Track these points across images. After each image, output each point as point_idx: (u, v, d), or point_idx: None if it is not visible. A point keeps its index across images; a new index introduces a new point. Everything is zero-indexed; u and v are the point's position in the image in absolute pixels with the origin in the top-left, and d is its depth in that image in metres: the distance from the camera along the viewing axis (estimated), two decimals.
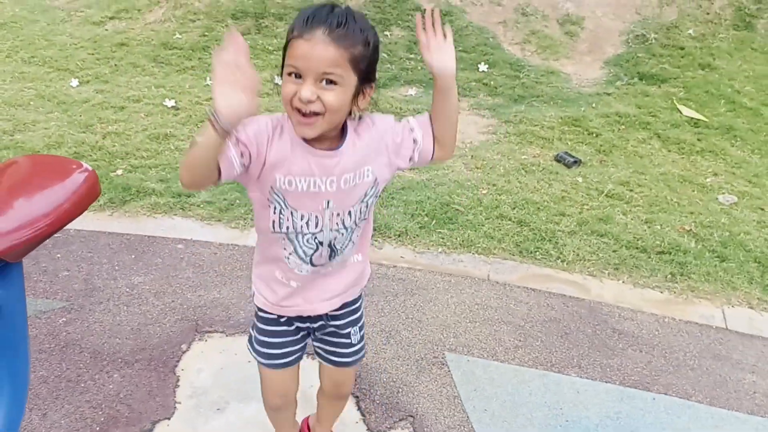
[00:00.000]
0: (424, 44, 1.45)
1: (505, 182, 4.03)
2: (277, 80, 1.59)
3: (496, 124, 4.84)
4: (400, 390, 2.51)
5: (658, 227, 3.67)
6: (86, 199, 1.63)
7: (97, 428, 2.26)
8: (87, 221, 3.40)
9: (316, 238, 1.55)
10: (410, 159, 1.59)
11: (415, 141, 1.56)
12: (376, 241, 3.39)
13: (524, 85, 5.45)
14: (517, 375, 2.63)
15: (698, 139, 4.74)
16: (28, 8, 6.43)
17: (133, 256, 3.17)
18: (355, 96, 1.40)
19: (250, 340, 1.80)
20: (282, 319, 1.71)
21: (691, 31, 6.17)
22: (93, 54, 5.48)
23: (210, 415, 2.36)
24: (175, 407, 2.36)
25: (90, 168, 1.69)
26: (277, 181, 1.45)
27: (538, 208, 3.77)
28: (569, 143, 4.58)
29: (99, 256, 3.16)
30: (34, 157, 1.78)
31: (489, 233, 3.51)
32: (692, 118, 5.00)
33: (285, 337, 1.74)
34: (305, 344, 1.82)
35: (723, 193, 4.06)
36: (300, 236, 1.54)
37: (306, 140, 1.43)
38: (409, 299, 3.02)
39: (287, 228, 1.53)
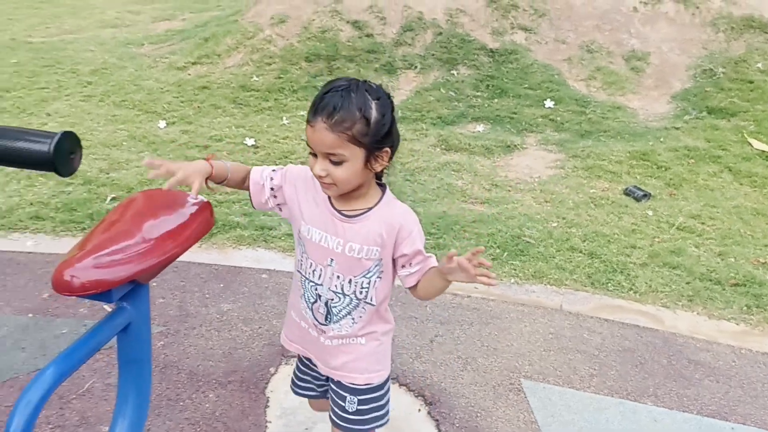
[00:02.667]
0: (460, 264, 1.46)
1: (575, 215, 4.11)
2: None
3: (563, 158, 4.93)
4: (479, 414, 2.60)
5: (732, 260, 3.68)
6: (205, 226, 1.81)
7: None
8: None
9: (316, 289, 1.69)
10: (399, 266, 1.67)
11: (403, 266, 1.65)
12: None
13: (590, 120, 5.53)
14: (594, 402, 2.69)
15: None
16: (117, 56, 6.90)
17: (221, 285, 3.38)
18: (367, 162, 1.52)
19: None
20: (304, 357, 1.86)
21: (759, 65, 6.14)
22: (178, 97, 5.83)
23: None
24: (266, 426, 2.51)
25: (205, 199, 1.89)
26: (302, 228, 1.67)
27: (609, 240, 3.82)
28: (638, 177, 4.62)
29: (191, 285, 3.37)
30: (152, 191, 1.98)
31: (560, 265, 3.59)
32: (763, 151, 4.98)
33: (308, 375, 1.90)
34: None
35: None
36: (307, 282, 1.71)
37: (330, 199, 1.63)
38: (483, 328, 3.12)
39: (304, 270, 1.70)
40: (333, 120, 1.46)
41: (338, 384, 1.79)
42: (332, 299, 1.68)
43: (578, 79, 6.21)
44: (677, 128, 5.40)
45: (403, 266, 1.65)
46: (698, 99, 5.84)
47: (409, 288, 1.68)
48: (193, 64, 6.46)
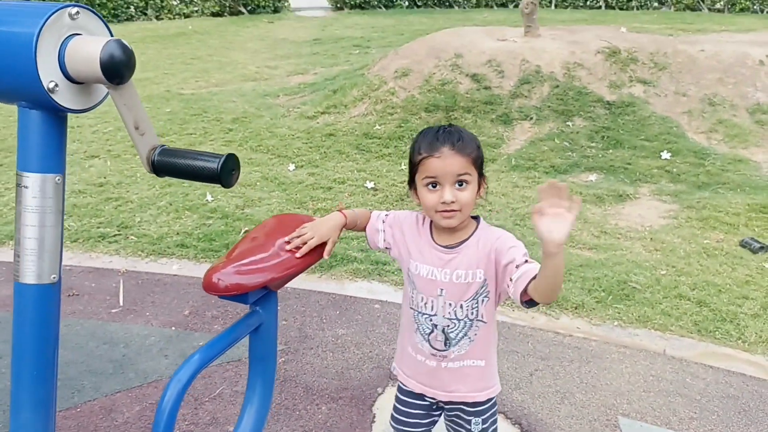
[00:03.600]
0: (539, 209, 1.45)
1: (685, 264, 4.11)
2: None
3: (677, 209, 4.92)
4: None
5: None
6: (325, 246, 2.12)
7: None
8: (301, 282, 4.01)
9: (431, 320, 1.82)
10: (507, 286, 1.69)
11: (511, 279, 1.65)
12: (553, 311, 3.64)
13: (709, 172, 5.47)
14: None
15: None
16: (255, 106, 7.58)
17: (337, 312, 3.68)
18: (478, 189, 1.74)
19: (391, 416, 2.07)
20: (416, 391, 1.95)
21: None
22: (307, 143, 6.34)
23: None
24: None
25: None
26: (411, 266, 1.84)
27: (720, 290, 3.80)
28: (756, 230, 4.54)
29: (310, 311, 3.70)
30: (285, 215, 2.32)
31: (666, 311, 3.62)
32: None
33: (416, 410, 1.99)
34: (435, 421, 2.03)
35: None
36: (420, 315, 1.84)
37: (432, 236, 1.81)
38: (583, 366, 3.21)
39: (416, 305, 1.85)
40: (459, 145, 1.67)
41: (459, 409, 1.93)
42: (448, 326, 1.81)
43: (698, 131, 6.16)
44: None
45: (511, 279, 1.64)
46: None
47: (524, 294, 1.60)
48: (322, 113, 6.99)
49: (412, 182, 1.80)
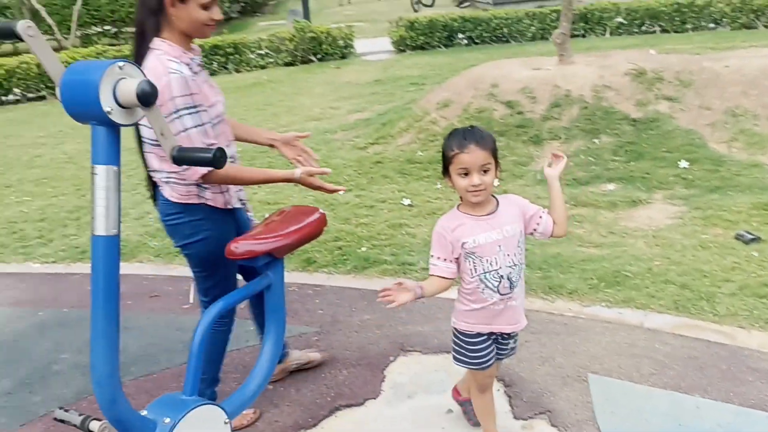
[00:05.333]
0: (548, 162, 2.54)
1: (680, 256, 4.56)
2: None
3: (685, 210, 5.35)
4: (545, 395, 3.26)
5: None
6: (318, 227, 2.86)
7: (329, 399, 3.37)
8: (339, 280, 4.74)
9: (497, 273, 2.44)
10: (534, 230, 2.52)
11: (538, 223, 2.50)
12: (549, 297, 4.19)
13: (723, 177, 5.85)
14: (646, 393, 3.22)
15: None
16: (315, 142, 8.43)
17: (365, 303, 4.37)
18: (496, 171, 2.40)
19: (461, 361, 2.67)
20: (483, 336, 2.59)
21: None
22: (357, 170, 7.12)
23: (403, 399, 3.34)
24: (380, 392, 3.39)
25: (323, 212, 2.94)
26: (468, 246, 2.43)
27: (704, 275, 4.24)
28: (755, 224, 4.92)
29: (343, 302, 4.40)
30: (298, 206, 3.09)
31: (651, 293, 4.10)
32: None
33: (488, 348, 2.63)
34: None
35: None
36: (487, 274, 2.44)
37: (474, 215, 2.43)
38: (568, 338, 3.75)
39: (481, 270, 2.44)
40: (482, 143, 2.31)
41: (509, 335, 2.65)
42: (510, 273, 2.44)
43: (720, 141, 6.53)
44: None
45: (537, 224, 2.49)
46: None
47: (553, 231, 2.50)
48: (372, 144, 7.78)
49: (446, 171, 2.43)
